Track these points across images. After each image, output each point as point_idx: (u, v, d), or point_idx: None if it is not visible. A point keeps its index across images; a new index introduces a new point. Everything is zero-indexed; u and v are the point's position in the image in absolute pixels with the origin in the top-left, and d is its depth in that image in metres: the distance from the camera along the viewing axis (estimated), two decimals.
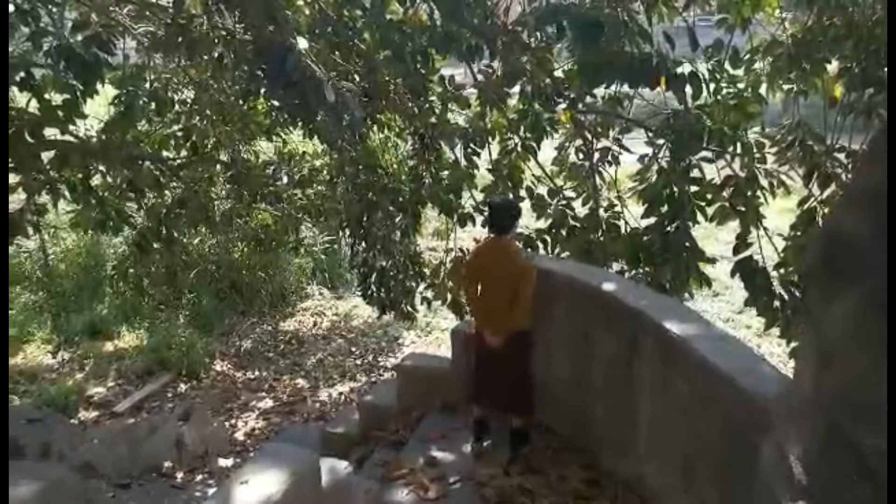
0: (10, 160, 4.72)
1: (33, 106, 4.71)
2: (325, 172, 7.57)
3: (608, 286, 3.85)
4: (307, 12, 5.38)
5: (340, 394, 7.48)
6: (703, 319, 3.38)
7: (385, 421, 4.70)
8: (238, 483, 2.43)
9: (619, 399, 3.67)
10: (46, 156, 5.04)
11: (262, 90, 5.02)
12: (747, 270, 5.07)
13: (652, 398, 3.39)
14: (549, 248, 5.72)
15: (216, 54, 5.35)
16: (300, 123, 6.00)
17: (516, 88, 5.61)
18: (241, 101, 6.37)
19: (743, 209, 5.05)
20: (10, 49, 5.13)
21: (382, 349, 8.53)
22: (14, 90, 4.72)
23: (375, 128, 6.44)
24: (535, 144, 5.98)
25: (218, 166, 7.06)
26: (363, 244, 6.95)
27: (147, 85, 6.14)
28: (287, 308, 9.52)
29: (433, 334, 8.65)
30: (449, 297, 6.46)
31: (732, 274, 5.14)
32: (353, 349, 8.53)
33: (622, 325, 3.59)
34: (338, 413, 6.82)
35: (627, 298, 3.61)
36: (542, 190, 5.88)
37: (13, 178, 4.89)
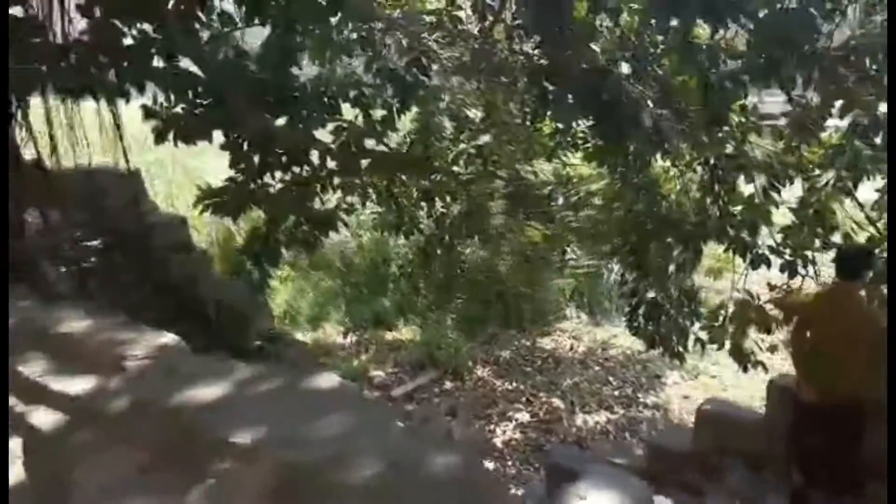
0: (335, 165, 5.46)
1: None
2: (600, 196, 7.48)
3: None
4: (608, 37, 5.38)
5: (597, 423, 7.34)
6: None
7: (675, 463, 4.51)
8: (576, 498, 2.49)
9: None
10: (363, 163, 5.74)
11: (549, 112, 5.19)
12: None
13: None
14: None
15: (512, 77, 5.62)
16: (583, 145, 6.06)
17: (833, 121, 4.99)
18: (528, 123, 6.59)
19: None
20: (342, 72, 5.92)
21: (642, 385, 8.18)
22: (346, 105, 5.44)
23: (659, 155, 6.19)
24: (851, 184, 5.25)
25: (499, 182, 7.41)
26: (634, 273, 6.72)
27: (442, 105, 6.68)
28: (544, 326, 9.64)
29: (700, 378, 8.08)
30: (728, 343, 5.92)
31: None
32: (611, 379, 8.31)
33: None
34: (596, 442, 6.71)
35: None
36: (861, 237, 5.12)
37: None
